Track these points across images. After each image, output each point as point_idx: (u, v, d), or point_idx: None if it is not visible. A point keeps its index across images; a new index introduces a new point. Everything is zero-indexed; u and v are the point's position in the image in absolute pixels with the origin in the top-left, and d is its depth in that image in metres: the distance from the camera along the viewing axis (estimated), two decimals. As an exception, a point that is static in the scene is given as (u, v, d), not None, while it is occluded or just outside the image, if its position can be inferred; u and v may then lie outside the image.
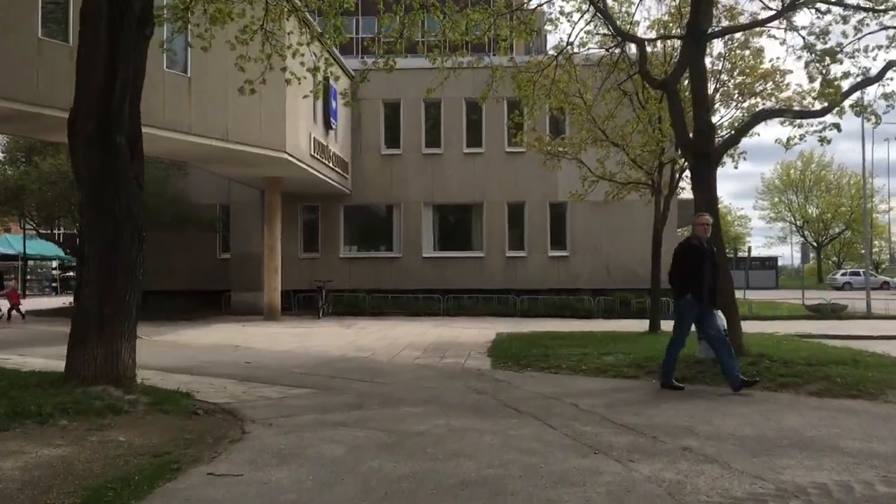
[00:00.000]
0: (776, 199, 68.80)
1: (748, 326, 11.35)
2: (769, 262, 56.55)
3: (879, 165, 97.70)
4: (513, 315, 23.05)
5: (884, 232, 68.12)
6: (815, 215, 66.53)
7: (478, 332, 17.44)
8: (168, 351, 13.01)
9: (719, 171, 16.18)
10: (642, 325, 19.05)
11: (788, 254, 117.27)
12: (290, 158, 18.19)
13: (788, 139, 11.82)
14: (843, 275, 56.00)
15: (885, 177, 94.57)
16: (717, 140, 10.82)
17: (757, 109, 14.24)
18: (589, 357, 11.08)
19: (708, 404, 7.70)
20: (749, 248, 33.98)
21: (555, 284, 24.47)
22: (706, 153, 9.75)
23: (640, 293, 23.85)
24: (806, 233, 67.09)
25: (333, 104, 21.95)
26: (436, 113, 25.41)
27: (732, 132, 13.13)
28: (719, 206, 10.43)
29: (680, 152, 12.88)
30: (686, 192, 27.00)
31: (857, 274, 54.01)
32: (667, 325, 17.11)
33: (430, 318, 22.61)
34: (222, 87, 15.70)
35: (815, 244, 67.36)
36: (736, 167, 16.85)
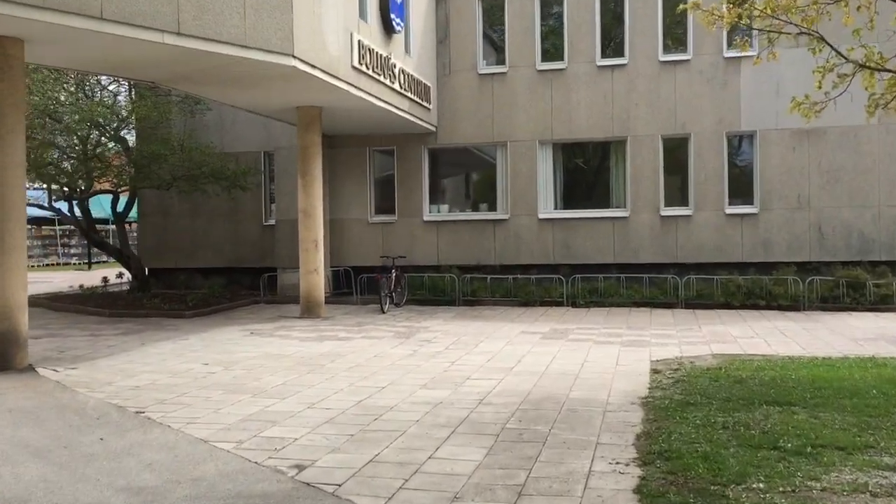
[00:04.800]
0: None
1: None
2: None
3: None
4: (673, 305, 15.37)
5: None
6: None
7: (617, 353, 10.07)
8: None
9: None
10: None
11: None
12: (304, 68, 11.14)
13: None
14: None
15: None
16: None
17: None
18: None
19: None
20: None
21: (736, 257, 16.38)
22: None
23: (879, 269, 15.41)
24: None
25: (398, -5, 14.76)
26: (557, 10, 17.67)
27: None
28: None
29: None
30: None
31: None
32: None
33: (546, 308, 15.40)
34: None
35: None
36: None
